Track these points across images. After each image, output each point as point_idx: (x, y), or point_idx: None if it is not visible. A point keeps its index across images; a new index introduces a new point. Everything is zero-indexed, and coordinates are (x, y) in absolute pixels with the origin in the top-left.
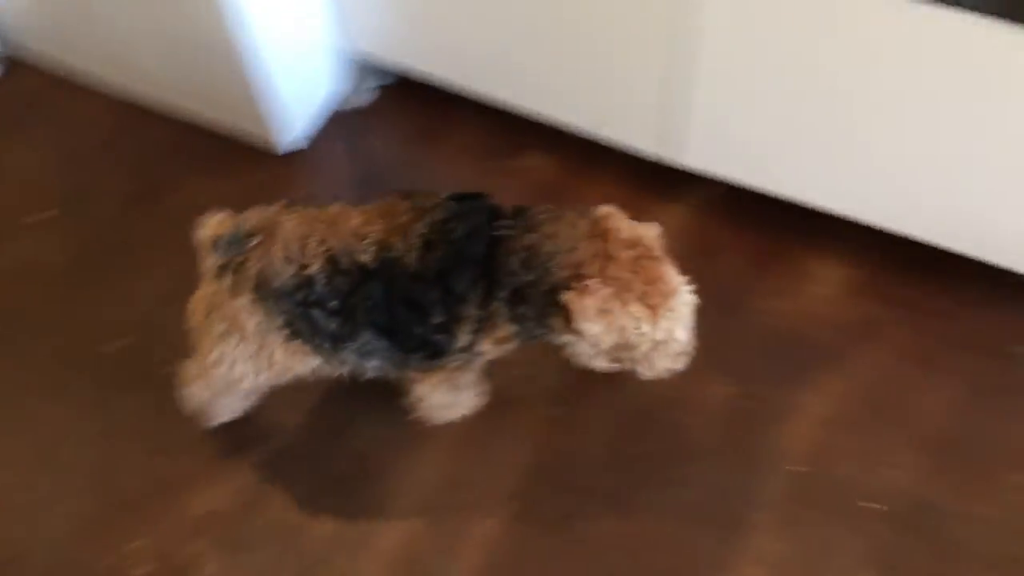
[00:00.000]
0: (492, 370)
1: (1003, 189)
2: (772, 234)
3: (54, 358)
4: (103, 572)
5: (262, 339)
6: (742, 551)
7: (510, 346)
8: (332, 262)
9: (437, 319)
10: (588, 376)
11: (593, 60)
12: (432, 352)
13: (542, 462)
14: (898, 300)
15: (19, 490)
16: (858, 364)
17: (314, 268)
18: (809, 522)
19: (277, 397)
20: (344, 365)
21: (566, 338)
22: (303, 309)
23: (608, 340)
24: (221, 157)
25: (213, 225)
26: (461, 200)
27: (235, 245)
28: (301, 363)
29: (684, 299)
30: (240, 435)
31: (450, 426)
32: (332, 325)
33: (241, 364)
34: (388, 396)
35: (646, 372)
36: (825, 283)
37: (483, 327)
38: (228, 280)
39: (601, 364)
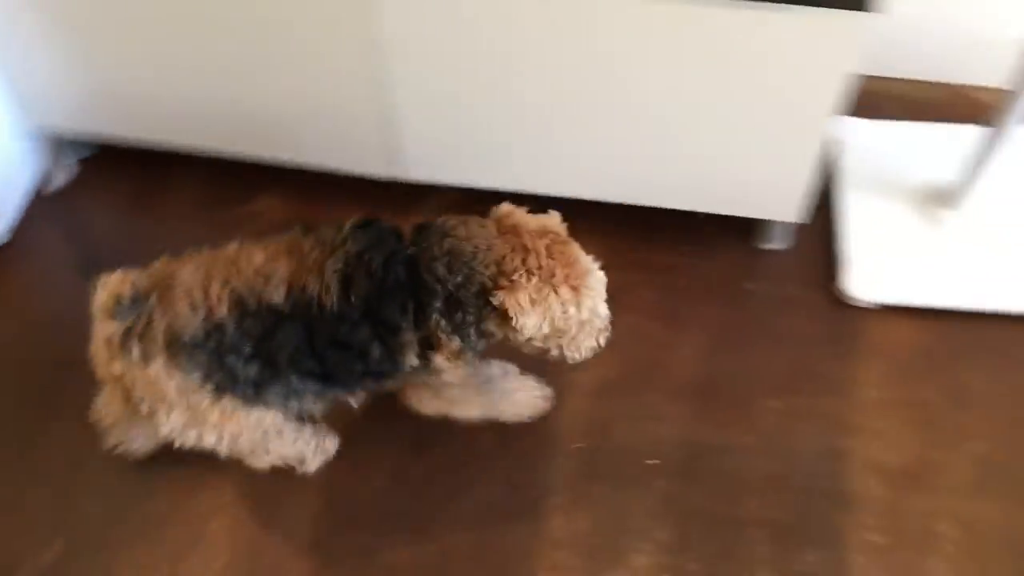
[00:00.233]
0: None
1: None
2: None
3: None
4: None
5: (187, 400)
6: (545, 538)
7: (463, 361)
8: (239, 304)
9: (376, 353)
10: (361, 411)
11: (301, 98)
12: (376, 379)
13: (333, 506)
14: (637, 264)
15: None
16: (616, 333)
17: (222, 312)
18: (601, 494)
19: None
20: (273, 409)
21: (505, 333)
22: (218, 358)
23: (544, 329)
24: None
25: (114, 283)
26: (366, 228)
27: (136, 305)
28: (242, 422)
29: (597, 276)
30: None
31: (232, 491)
32: (251, 371)
33: (183, 433)
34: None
35: (574, 355)
36: None
37: (429, 344)
38: (136, 350)
39: (531, 350)
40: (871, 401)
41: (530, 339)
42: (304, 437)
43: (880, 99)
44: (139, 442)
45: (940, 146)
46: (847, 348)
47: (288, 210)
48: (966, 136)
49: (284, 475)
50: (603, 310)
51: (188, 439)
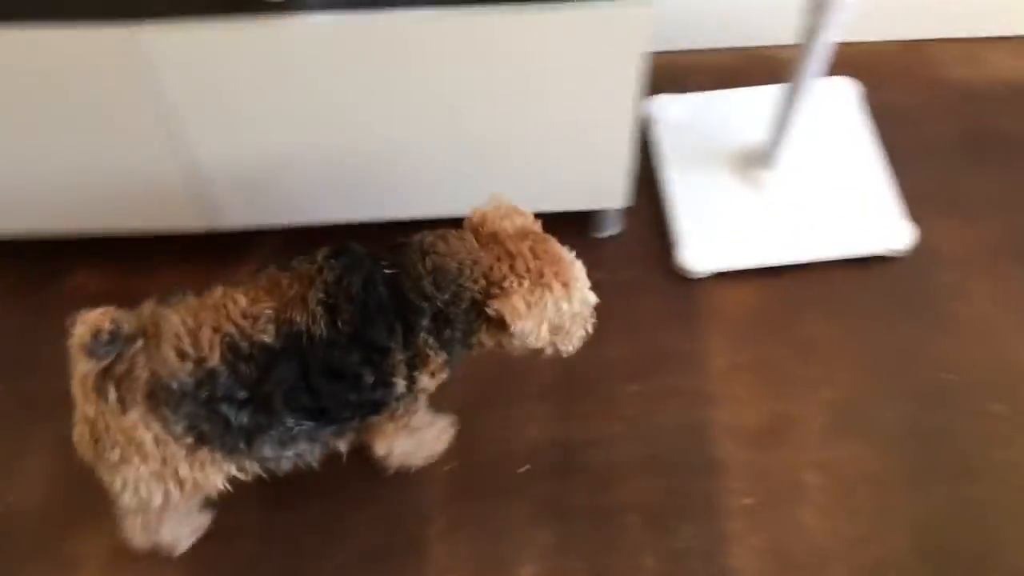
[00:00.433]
0: None
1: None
2: None
3: None
4: None
5: (163, 453)
6: (431, 569)
7: (444, 375)
8: (232, 349)
9: (369, 379)
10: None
11: (97, 167)
12: (370, 410)
13: None
14: None
15: None
16: None
17: (214, 360)
18: (478, 512)
19: None
20: (258, 463)
21: (499, 341)
22: (209, 407)
23: (543, 330)
24: None
25: (93, 319)
26: (339, 256)
27: (114, 345)
28: (211, 476)
29: (579, 265)
30: None
31: None
32: (244, 418)
33: (145, 485)
34: None
35: (568, 348)
36: None
37: (416, 364)
38: (112, 395)
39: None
40: (722, 368)
41: (535, 345)
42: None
43: (685, 72)
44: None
45: (749, 109)
46: (693, 321)
47: (109, 280)
48: (771, 96)
49: (146, 559)
50: (591, 298)
51: (143, 493)
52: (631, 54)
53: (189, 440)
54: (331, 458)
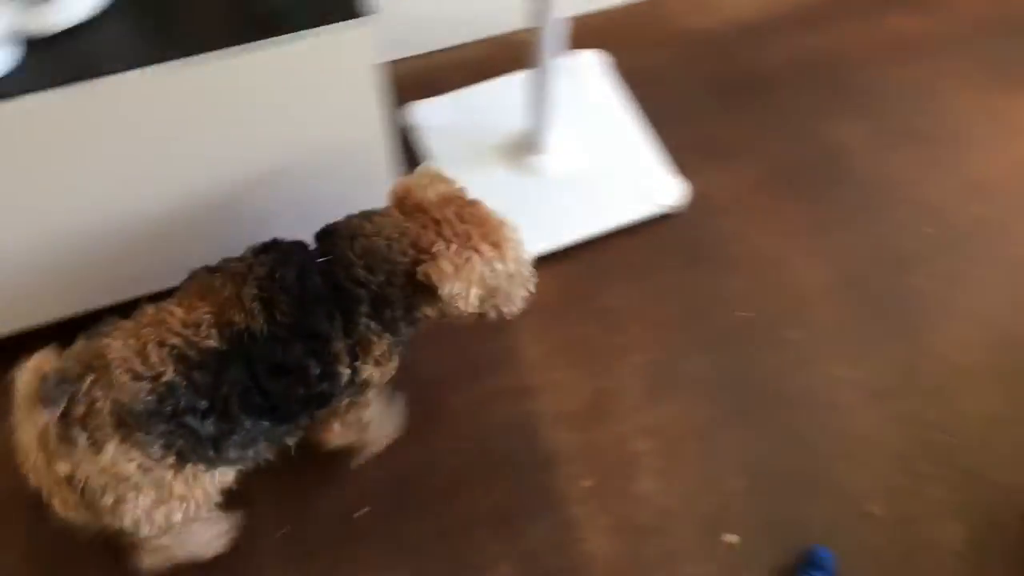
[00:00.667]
0: None
1: None
2: None
3: None
4: None
5: (154, 479)
6: None
7: (392, 364)
8: (182, 360)
9: (315, 370)
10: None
11: None
12: (319, 404)
13: None
14: None
15: None
16: None
17: (168, 374)
18: (322, 570)
19: None
20: (231, 465)
21: (440, 309)
22: (176, 421)
23: (475, 293)
24: None
25: (34, 365)
26: (268, 250)
27: (65, 384)
28: (207, 488)
29: (512, 225)
30: None
31: None
32: (210, 427)
33: (154, 514)
34: None
35: (511, 309)
36: None
37: (358, 352)
38: (81, 438)
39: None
40: (537, 359)
41: (466, 308)
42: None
43: (437, 74)
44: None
45: (506, 99)
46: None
47: None
48: (523, 82)
49: None
50: (527, 256)
51: (156, 522)
52: (363, 71)
53: (171, 460)
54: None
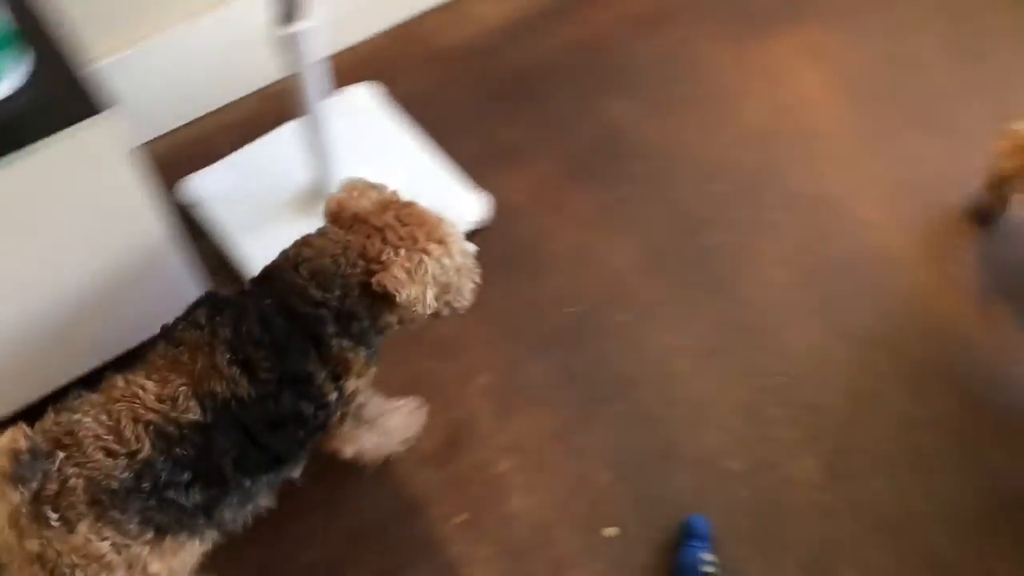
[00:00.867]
0: None
1: None
2: None
3: None
4: None
5: (126, 557)
6: None
7: (371, 371)
8: (161, 436)
9: (309, 410)
10: None
11: None
12: (317, 433)
13: None
14: None
15: None
16: None
17: (145, 450)
18: None
19: None
20: (223, 529)
21: (399, 315)
22: (157, 497)
23: (431, 294)
24: None
25: (6, 441)
26: (222, 311)
27: (38, 462)
28: (184, 559)
29: (448, 220)
30: None
31: None
32: (197, 496)
33: None
34: None
35: (462, 302)
36: None
37: (340, 372)
38: (52, 517)
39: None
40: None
41: (425, 310)
42: None
43: (205, 142)
44: None
45: (285, 151)
46: None
47: None
48: (297, 131)
49: None
50: (470, 247)
51: None
52: (121, 158)
53: (149, 535)
54: None
